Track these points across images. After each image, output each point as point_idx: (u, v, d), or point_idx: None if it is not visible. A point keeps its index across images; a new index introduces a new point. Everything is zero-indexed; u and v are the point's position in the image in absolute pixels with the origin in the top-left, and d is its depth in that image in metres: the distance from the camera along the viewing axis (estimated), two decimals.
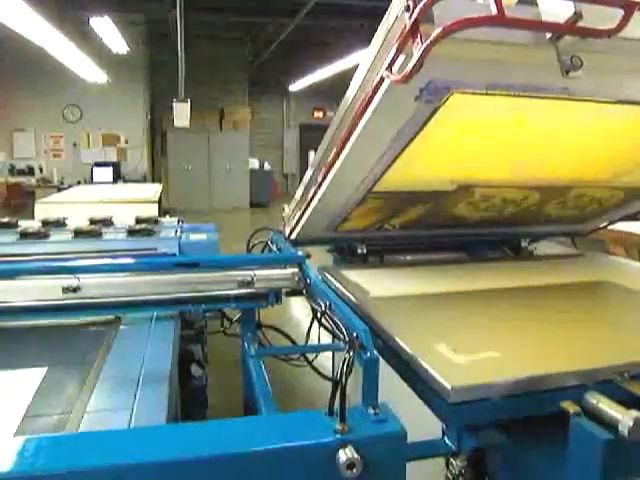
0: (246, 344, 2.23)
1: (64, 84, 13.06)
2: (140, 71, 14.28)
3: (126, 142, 14.52)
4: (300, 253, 2.25)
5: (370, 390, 1.30)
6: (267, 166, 17.86)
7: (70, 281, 1.89)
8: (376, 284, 2.24)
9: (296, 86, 18.14)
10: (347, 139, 1.85)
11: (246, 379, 2.17)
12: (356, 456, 1.08)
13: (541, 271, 2.63)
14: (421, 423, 1.61)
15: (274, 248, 2.62)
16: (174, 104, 9.14)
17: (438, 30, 1.26)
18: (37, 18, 6.86)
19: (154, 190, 7.23)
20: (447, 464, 1.60)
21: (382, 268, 2.68)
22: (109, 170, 13.50)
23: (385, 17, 1.54)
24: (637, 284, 2.32)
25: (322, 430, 1.14)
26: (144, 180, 13.98)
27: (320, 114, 19.94)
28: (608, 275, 2.49)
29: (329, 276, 2.38)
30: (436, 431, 1.72)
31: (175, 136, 15.27)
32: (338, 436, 1.11)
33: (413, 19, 1.31)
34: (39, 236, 3.16)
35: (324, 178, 2.11)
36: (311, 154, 16.47)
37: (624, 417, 1.25)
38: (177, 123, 9.33)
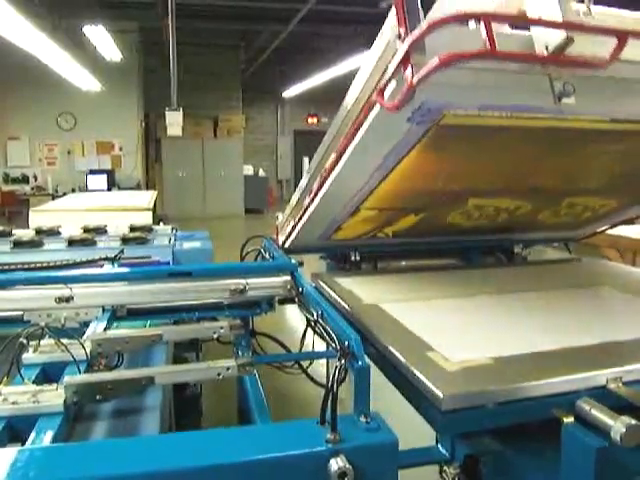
0: (240, 352, 2.22)
1: (58, 92, 13.07)
2: (134, 78, 14.28)
3: (120, 149, 14.53)
4: (293, 261, 2.25)
5: (361, 399, 1.30)
6: (262, 172, 17.87)
7: (63, 291, 1.89)
8: (369, 291, 2.24)
9: (290, 92, 18.19)
10: (341, 154, 1.86)
11: (240, 388, 2.17)
12: (348, 465, 1.08)
13: (535, 276, 2.63)
14: (417, 430, 1.61)
15: (267, 256, 2.62)
16: (166, 112, 9.10)
17: (430, 64, 1.27)
18: (30, 27, 6.87)
19: (148, 197, 7.20)
20: (440, 471, 1.60)
21: (375, 275, 2.68)
22: (103, 178, 13.53)
23: (379, 36, 1.55)
24: (632, 289, 2.33)
25: (314, 439, 1.13)
26: (138, 187, 13.98)
27: (314, 120, 20.00)
28: (603, 279, 2.49)
29: (322, 283, 2.38)
30: (430, 437, 1.73)
31: (169, 143, 15.25)
32: (330, 445, 1.11)
33: (404, 51, 1.32)
34: (33, 245, 3.16)
35: (318, 190, 2.12)
36: (305, 160, 16.50)
37: (616, 423, 1.25)
38: (170, 132, 9.28)
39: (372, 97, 1.56)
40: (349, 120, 1.77)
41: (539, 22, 1.47)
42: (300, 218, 2.38)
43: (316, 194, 2.16)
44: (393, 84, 1.46)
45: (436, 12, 1.44)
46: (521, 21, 1.51)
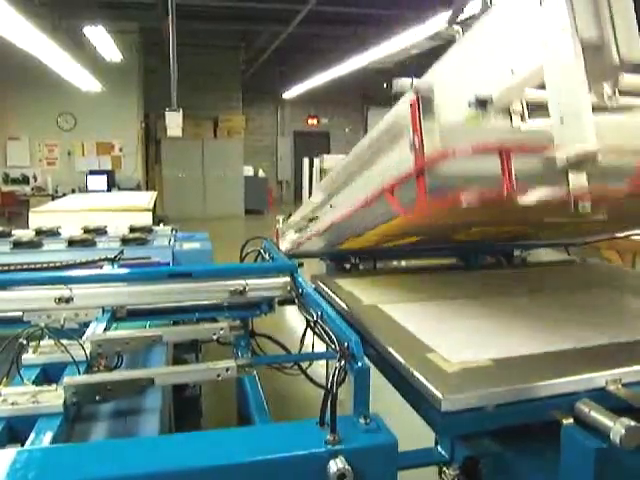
0: (239, 353, 2.23)
1: (58, 92, 13.03)
2: (134, 79, 14.27)
3: (120, 150, 14.52)
4: (292, 262, 2.25)
5: (361, 400, 1.30)
6: (262, 173, 17.86)
7: (63, 292, 1.89)
8: (369, 292, 2.24)
9: (290, 93, 18.18)
10: (347, 208, 1.97)
11: (240, 389, 2.17)
12: (347, 467, 1.08)
13: (534, 278, 2.63)
14: (416, 431, 1.61)
15: (267, 257, 2.62)
16: (166, 113, 9.07)
17: (448, 199, 1.35)
18: (30, 27, 6.87)
19: (148, 198, 7.19)
20: (440, 473, 1.60)
21: (375, 276, 2.68)
22: (103, 178, 13.52)
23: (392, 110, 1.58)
24: (631, 290, 2.33)
25: (313, 441, 1.13)
26: (138, 188, 13.97)
27: (314, 121, 20.00)
28: (601, 281, 2.49)
29: (322, 285, 2.38)
30: (430, 439, 1.72)
31: (169, 144, 15.21)
32: (329, 447, 1.11)
33: (419, 169, 1.34)
34: (32, 245, 3.16)
35: (321, 229, 2.20)
36: (305, 161, 16.47)
37: (616, 425, 1.24)
38: (170, 133, 9.23)
39: (383, 189, 1.62)
40: (362, 173, 1.88)
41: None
42: (302, 240, 2.41)
43: (318, 230, 2.23)
44: (404, 186, 1.49)
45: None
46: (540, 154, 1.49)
